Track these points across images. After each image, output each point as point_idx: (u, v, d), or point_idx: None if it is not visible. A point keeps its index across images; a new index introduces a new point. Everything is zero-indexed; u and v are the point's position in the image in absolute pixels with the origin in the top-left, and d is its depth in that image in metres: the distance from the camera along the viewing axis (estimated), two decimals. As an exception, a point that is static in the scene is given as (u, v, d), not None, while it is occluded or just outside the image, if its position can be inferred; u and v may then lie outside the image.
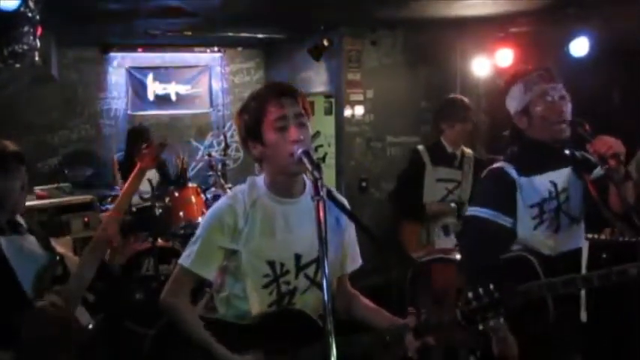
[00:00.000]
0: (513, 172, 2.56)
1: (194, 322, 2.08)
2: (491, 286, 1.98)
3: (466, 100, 4.36)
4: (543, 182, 2.56)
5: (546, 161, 2.59)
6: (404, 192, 4.38)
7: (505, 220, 2.52)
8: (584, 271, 2.69)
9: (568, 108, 2.55)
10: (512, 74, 2.69)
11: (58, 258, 2.54)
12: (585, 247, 2.73)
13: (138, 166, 2.82)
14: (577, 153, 2.66)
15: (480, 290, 1.98)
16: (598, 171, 2.54)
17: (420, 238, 4.19)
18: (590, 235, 3.92)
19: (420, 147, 4.37)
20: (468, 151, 4.33)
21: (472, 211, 2.61)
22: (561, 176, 2.60)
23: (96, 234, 2.65)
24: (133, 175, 2.82)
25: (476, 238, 2.59)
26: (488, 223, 2.52)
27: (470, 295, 1.99)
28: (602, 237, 3.92)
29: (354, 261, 2.27)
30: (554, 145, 2.58)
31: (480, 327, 1.99)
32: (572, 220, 2.61)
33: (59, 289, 2.42)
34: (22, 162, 2.48)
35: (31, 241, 2.51)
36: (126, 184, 2.81)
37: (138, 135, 5.81)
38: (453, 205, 4.13)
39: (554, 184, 2.57)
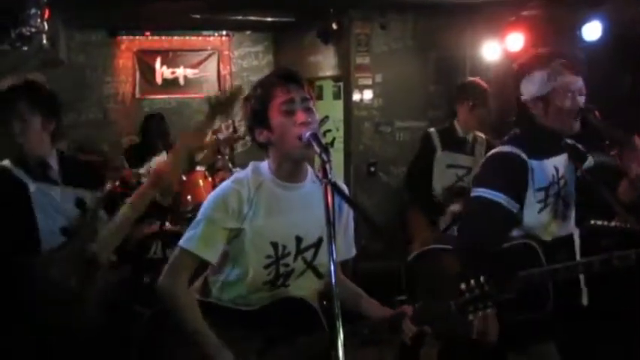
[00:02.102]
0: (524, 155, 2.55)
1: (192, 310, 2.05)
2: (482, 279, 2.05)
3: (486, 85, 4.29)
4: (549, 167, 2.58)
5: (551, 147, 2.61)
6: (415, 179, 4.31)
7: (514, 207, 2.52)
8: (578, 257, 2.71)
9: (582, 100, 2.57)
10: (535, 57, 2.65)
11: (89, 216, 2.59)
12: (576, 233, 2.72)
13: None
14: (569, 141, 2.69)
15: (472, 282, 2.05)
16: (590, 162, 2.65)
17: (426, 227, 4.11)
18: (599, 222, 3.91)
19: (432, 130, 4.30)
20: (481, 135, 4.25)
21: (482, 192, 2.55)
22: (561, 162, 2.63)
23: (144, 185, 2.67)
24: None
25: (484, 220, 2.55)
26: (499, 208, 2.49)
27: (462, 286, 2.06)
28: (613, 224, 3.89)
29: (348, 250, 2.28)
30: (561, 133, 2.61)
31: (471, 317, 2.08)
32: (567, 206, 2.65)
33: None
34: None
35: (63, 193, 2.58)
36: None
37: (153, 121, 5.87)
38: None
39: (557, 169, 2.60)
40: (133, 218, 2.59)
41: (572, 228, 2.69)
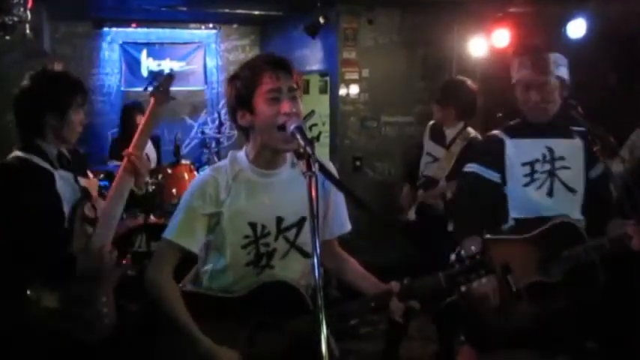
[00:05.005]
0: (502, 135, 2.83)
1: (175, 301, 2.06)
2: (473, 248, 2.04)
3: (468, 82, 4.26)
4: (537, 145, 2.74)
5: (540, 129, 2.75)
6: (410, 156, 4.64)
7: (491, 175, 2.77)
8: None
9: (537, 97, 2.71)
10: (516, 47, 3.01)
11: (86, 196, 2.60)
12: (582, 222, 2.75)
13: (152, 102, 2.70)
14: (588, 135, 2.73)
15: (462, 252, 2.03)
16: (596, 170, 2.77)
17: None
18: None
19: (430, 123, 4.43)
20: (469, 130, 4.18)
21: (464, 168, 2.93)
22: (560, 145, 2.74)
23: (119, 170, 2.63)
24: (148, 112, 2.71)
25: (465, 190, 2.92)
26: (475, 176, 2.82)
27: (452, 257, 2.04)
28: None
29: (342, 226, 2.27)
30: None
31: (463, 289, 2.03)
32: (568, 189, 2.73)
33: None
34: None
35: (70, 177, 2.57)
36: (142, 122, 2.72)
37: (133, 111, 5.81)
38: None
39: (550, 150, 2.73)
40: (118, 212, 2.57)
41: (575, 213, 2.74)
